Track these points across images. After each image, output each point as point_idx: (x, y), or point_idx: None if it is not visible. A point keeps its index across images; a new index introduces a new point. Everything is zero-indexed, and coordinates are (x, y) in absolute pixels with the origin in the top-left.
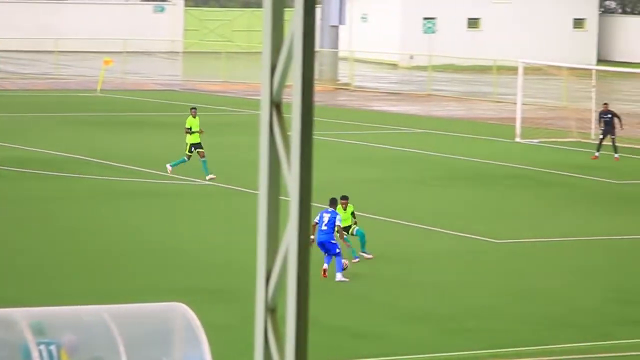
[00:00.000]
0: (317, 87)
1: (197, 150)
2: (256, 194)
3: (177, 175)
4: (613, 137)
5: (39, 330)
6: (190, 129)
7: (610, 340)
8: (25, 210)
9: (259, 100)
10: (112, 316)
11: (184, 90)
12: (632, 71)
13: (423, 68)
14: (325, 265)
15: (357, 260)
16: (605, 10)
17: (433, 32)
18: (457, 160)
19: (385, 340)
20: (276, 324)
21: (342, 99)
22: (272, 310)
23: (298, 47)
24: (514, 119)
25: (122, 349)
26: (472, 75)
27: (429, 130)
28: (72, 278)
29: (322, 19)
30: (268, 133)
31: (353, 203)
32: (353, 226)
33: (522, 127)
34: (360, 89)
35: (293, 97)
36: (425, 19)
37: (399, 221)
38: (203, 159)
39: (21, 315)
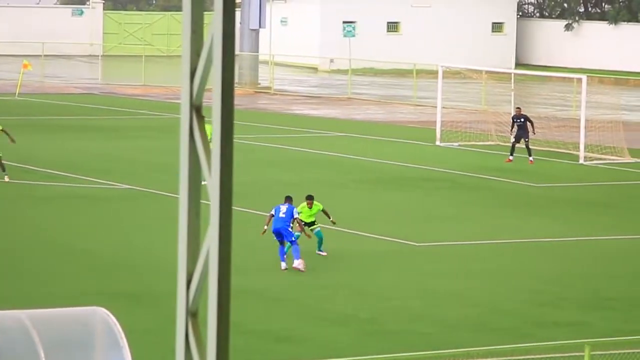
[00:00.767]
0: (238, 90)
1: None
2: (176, 197)
3: (96, 179)
4: (527, 140)
5: None
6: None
7: (530, 342)
8: None
9: (178, 103)
10: (31, 321)
11: (103, 94)
12: (549, 75)
13: (343, 72)
14: (284, 265)
15: (323, 253)
16: (523, 14)
17: (353, 35)
18: (377, 164)
19: (307, 344)
20: (197, 328)
21: (263, 103)
22: (193, 314)
23: (218, 50)
24: (433, 123)
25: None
26: (392, 79)
27: (349, 133)
28: None
29: (242, 23)
30: (188, 136)
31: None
32: (315, 226)
33: (441, 131)
34: (281, 93)
35: (213, 101)
36: (345, 22)
37: (321, 225)
38: None
39: None
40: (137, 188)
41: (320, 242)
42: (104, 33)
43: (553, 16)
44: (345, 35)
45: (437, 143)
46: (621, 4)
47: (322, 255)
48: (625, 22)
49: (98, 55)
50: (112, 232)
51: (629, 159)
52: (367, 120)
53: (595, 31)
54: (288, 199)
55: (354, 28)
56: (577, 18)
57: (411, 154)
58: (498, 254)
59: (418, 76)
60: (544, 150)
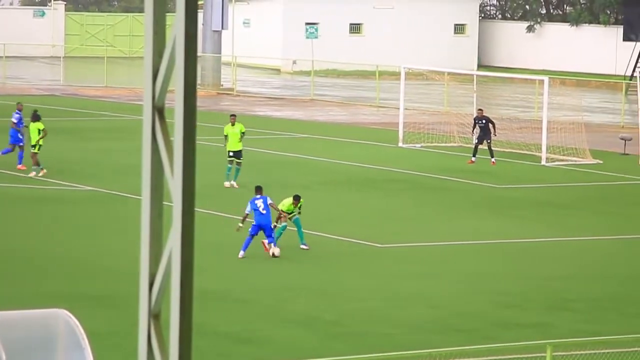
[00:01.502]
0: (200, 92)
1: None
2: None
3: (59, 180)
4: (489, 141)
5: None
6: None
7: (493, 343)
8: None
9: (141, 105)
10: None
11: (65, 95)
12: (511, 76)
13: (306, 73)
14: (266, 240)
15: (306, 247)
16: (485, 16)
17: (315, 37)
18: (340, 165)
19: (270, 345)
20: (160, 330)
21: (225, 104)
22: (156, 316)
23: (180, 52)
24: (396, 124)
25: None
26: (354, 81)
27: (312, 135)
28: None
29: (204, 24)
30: (150, 138)
31: (237, 208)
32: (293, 214)
33: (404, 132)
34: (243, 94)
35: (175, 102)
36: (308, 24)
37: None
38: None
39: None
40: (100, 190)
41: (300, 231)
42: (65, 34)
43: (515, 18)
44: (307, 37)
45: (400, 144)
46: (582, 5)
47: (305, 249)
48: (587, 24)
49: (60, 57)
50: (75, 234)
51: (590, 160)
52: (329, 121)
53: (557, 33)
54: (258, 190)
55: (316, 29)
56: (538, 20)
57: (374, 156)
58: (461, 255)
59: (381, 78)
60: (506, 152)
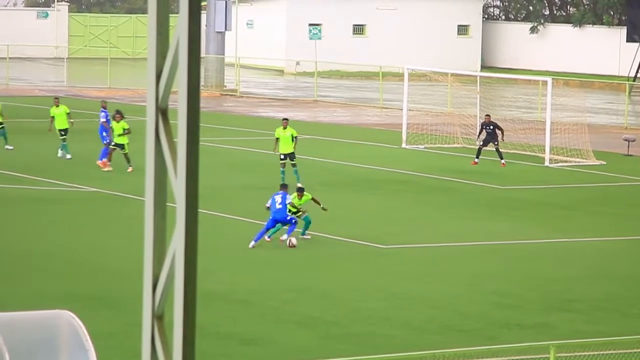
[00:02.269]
0: (204, 93)
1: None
2: (142, 200)
3: (61, 181)
4: (496, 144)
5: None
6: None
7: (495, 344)
8: None
9: (144, 106)
10: None
11: (68, 97)
12: (515, 77)
13: (309, 74)
14: (285, 237)
15: (307, 237)
16: (488, 17)
17: (319, 38)
18: (343, 166)
19: (272, 346)
20: (163, 331)
21: (229, 105)
22: (159, 317)
23: (183, 53)
24: (399, 125)
25: (7, 357)
26: (358, 82)
27: (316, 136)
28: None
29: (207, 25)
30: (154, 139)
31: (240, 209)
32: (302, 213)
33: (407, 133)
34: (247, 95)
35: (179, 104)
36: (311, 25)
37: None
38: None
39: None
40: (104, 191)
41: (306, 227)
42: (69, 35)
43: (518, 19)
44: (311, 38)
45: (403, 145)
46: (586, 7)
47: (307, 239)
48: (590, 25)
49: (63, 58)
50: (78, 235)
51: (594, 162)
52: (333, 122)
53: (560, 34)
54: (283, 187)
55: (320, 31)
56: (542, 21)
57: (377, 157)
58: (463, 256)
59: (384, 79)
60: (509, 153)
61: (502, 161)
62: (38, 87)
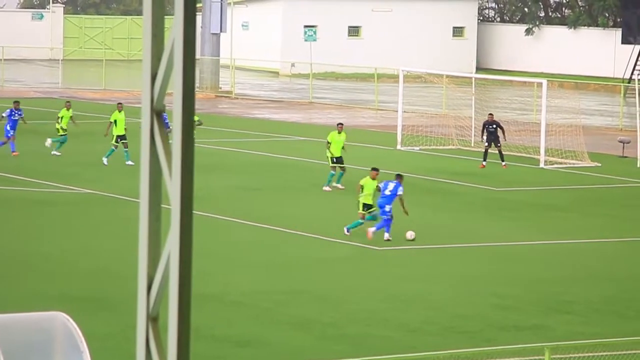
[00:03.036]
0: (199, 94)
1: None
2: (137, 201)
3: (57, 183)
4: (498, 145)
5: None
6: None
7: (492, 346)
8: None
9: (139, 107)
10: None
11: (63, 98)
12: (510, 79)
13: (304, 76)
14: (373, 229)
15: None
16: (484, 19)
17: (314, 40)
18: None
19: (267, 348)
20: (158, 333)
21: (224, 107)
22: (154, 319)
23: (179, 54)
24: (395, 127)
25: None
26: (353, 83)
27: (311, 138)
28: None
29: (203, 27)
30: (149, 141)
31: (235, 211)
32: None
33: (403, 135)
34: (242, 97)
35: (174, 105)
36: (306, 27)
37: (281, 229)
38: (126, 149)
39: None
40: (99, 192)
41: (373, 218)
42: (64, 37)
43: (514, 21)
44: (306, 40)
45: (398, 147)
46: (581, 8)
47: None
48: (585, 27)
49: (58, 59)
50: (73, 237)
51: (589, 163)
52: (328, 124)
53: (555, 36)
54: (398, 177)
55: (315, 32)
56: (537, 22)
57: (372, 158)
58: (460, 258)
59: (379, 80)
60: (505, 154)
61: (503, 163)
62: (33, 88)
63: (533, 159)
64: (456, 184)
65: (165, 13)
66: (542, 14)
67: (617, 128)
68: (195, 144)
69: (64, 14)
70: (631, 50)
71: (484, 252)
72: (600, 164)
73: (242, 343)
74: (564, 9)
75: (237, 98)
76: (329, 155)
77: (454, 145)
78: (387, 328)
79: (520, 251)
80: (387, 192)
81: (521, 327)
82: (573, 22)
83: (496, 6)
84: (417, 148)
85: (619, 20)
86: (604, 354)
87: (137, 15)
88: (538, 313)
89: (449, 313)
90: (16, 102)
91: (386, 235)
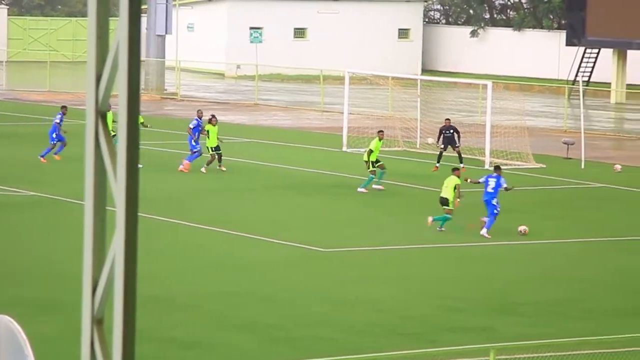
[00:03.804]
0: (144, 96)
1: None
2: (81, 203)
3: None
4: (457, 146)
5: None
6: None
7: (436, 347)
8: None
9: (84, 109)
10: None
11: (7, 100)
12: (455, 81)
13: (250, 77)
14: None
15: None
16: (429, 21)
17: (260, 41)
18: (285, 170)
19: (213, 350)
20: (103, 335)
21: (169, 109)
22: (99, 321)
23: (124, 56)
24: (340, 129)
25: None
26: (299, 85)
27: (257, 139)
28: None
29: (148, 29)
30: (94, 143)
31: (181, 213)
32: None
33: (348, 137)
34: (187, 99)
35: (119, 107)
36: (252, 28)
37: (230, 231)
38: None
39: None
40: (43, 195)
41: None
42: (8, 39)
43: (459, 23)
44: (252, 41)
45: (344, 149)
46: (526, 10)
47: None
48: (530, 29)
49: (2, 61)
50: (18, 240)
51: (534, 165)
52: (274, 126)
53: (500, 37)
54: (497, 169)
55: (260, 34)
56: (482, 24)
57: (318, 160)
58: (406, 260)
59: (325, 82)
60: (449, 156)
61: (462, 165)
62: None
63: (478, 160)
64: (402, 186)
65: (110, 14)
66: (487, 16)
67: (562, 129)
68: (141, 146)
69: (8, 15)
70: (575, 52)
71: (432, 254)
72: (545, 166)
73: (187, 345)
74: (509, 11)
75: (183, 100)
76: (367, 159)
77: (399, 146)
78: (332, 330)
79: (467, 253)
80: (490, 190)
81: (468, 328)
82: (518, 24)
83: (442, 8)
84: (363, 150)
85: (563, 22)
86: (549, 354)
87: (82, 17)
88: (486, 314)
89: (394, 315)
90: (64, 107)
91: (484, 231)
